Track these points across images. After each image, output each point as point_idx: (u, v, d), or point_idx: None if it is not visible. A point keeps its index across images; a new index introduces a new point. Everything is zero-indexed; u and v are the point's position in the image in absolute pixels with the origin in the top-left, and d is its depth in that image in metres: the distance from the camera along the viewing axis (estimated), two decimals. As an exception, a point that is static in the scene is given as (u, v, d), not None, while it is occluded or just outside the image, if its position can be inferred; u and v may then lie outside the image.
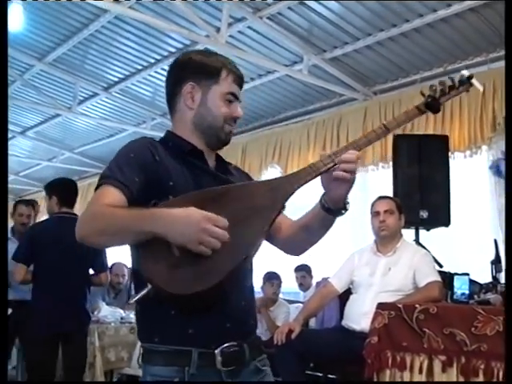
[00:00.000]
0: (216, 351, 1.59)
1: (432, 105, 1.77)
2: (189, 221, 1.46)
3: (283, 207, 1.70)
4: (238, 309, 1.66)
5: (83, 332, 4.32)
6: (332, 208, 1.67)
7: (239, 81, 1.80)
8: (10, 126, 9.87)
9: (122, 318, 5.18)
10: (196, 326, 1.59)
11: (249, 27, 5.81)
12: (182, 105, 1.77)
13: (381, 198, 4.18)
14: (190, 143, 1.76)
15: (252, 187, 1.75)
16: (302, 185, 1.65)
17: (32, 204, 5.55)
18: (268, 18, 5.60)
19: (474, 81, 1.79)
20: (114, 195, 1.57)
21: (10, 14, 5.55)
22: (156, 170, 1.65)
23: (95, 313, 5.41)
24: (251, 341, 1.70)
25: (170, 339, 1.60)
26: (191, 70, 1.77)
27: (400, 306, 3.17)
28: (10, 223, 5.21)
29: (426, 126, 5.90)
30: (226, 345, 1.60)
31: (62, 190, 4.44)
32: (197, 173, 1.73)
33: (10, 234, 4.92)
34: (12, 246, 4.27)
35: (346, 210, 1.69)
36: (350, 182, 1.63)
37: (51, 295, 4.10)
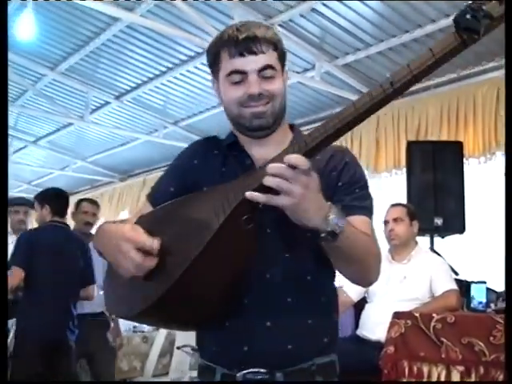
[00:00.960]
0: (238, 375, 1.43)
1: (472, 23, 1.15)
2: (112, 237, 1.35)
3: (238, 219, 1.32)
4: (259, 331, 1.42)
5: (72, 342, 4.21)
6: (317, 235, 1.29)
7: (242, 48, 1.43)
8: (23, 136, 9.95)
9: (134, 327, 5.15)
10: (218, 344, 1.48)
11: (260, 34, 5.78)
12: None
13: (391, 205, 4.15)
14: (234, 136, 1.59)
15: (213, 191, 1.43)
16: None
17: (97, 203, 5.09)
18: (280, 25, 5.57)
19: None
20: (143, 207, 1.59)
21: (22, 23, 5.58)
22: (192, 176, 1.56)
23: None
24: (292, 371, 1.42)
25: (203, 353, 1.55)
26: (207, 62, 1.60)
27: (417, 314, 3.12)
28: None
29: (440, 132, 5.86)
30: (250, 370, 1.41)
31: (55, 200, 4.45)
32: (233, 172, 1.51)
33: None
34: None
35: (329, 233, 1.26)
36: (282, 206, 1.23)
37: (42, 304, 4.05)
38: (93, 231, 4.43)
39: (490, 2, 1.14)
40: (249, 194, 1.24)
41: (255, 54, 1.44)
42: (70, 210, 4.68)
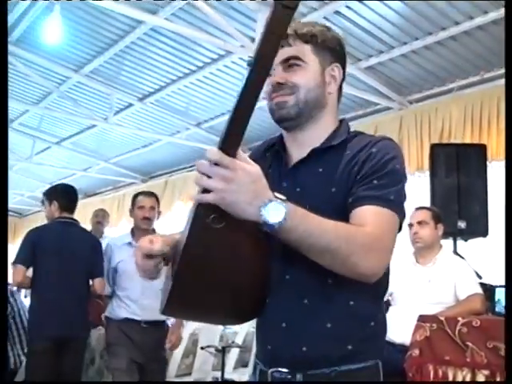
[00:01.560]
0: (268, 372, 1.48)
1: None
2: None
3: (205, 219, 1.30)
4: (277, 331, 1.45)
5: (81, 340, 4.26)
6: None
7: None
8: (46, 137, 10.07)
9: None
10: (257, 341, 1.60)
11: (284, 37, 5.79)
12: None
13: (416, 208, 4.14)
14: (279, 137, 1.61)
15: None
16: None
17: (156, 196, 4.59)
18: (303, 28, 5.59)
19: None
20: None
21: (48, 26, 5.66)
22: None
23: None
24: (312, 375, 1.42)
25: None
26: None
27: (442, 318, 3.12)
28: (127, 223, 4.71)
29: (464, 134, 5.84)
30: (276, 369, 1.46)
31: (64, 195, 4.47)
32: (274, 170, 1.55)
33: (130, 238, 4.25)
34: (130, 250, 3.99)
35: (266, 225, 1.24)
36: (213, 202, 1.23)
37: (50, 301, 4.08)
38: (155, 226, 4.30)
39: None
40: (192, 196, 1.30)
41: (281, 47, 1.41)
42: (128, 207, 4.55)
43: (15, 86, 8.10)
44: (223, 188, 1.20)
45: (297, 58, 1.49)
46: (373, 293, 1.49)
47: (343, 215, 1.39)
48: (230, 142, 1.24)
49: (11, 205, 15.14)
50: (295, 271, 1.43)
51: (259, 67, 1.21)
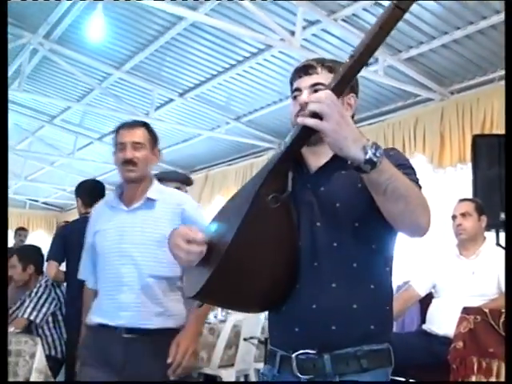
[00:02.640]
0: (292, 356, 1.58)
1: None
2: (172, 239, 1.62)
3: (264, 199, 1.49)
4: (306, 312, 1.57)
5: None
6: (351, 163, 1.41)
7: (300, 71, 1.75)
8: (88, 133, 10.26)
9: (201, 320, 5.26)
10: (278, 328, 1.68)
11: (323, 30, 5.80)
12: None
13: (460, 200, 4.12)
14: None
15: (245, 185, 1.71)
16: (273, 169, 1.53)
17: (145, 126, 4.40)
18: (343, 19, 5.58)
19: None
20: None
21: (91, 24, 5.78)
22: None
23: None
24: (339, 354, 1.55)
25: (270, 339, 1.74)
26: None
27: (486, 310, 3.10)
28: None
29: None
30: (302, 351, 1.56)
31: (86, 192, 4.56)
32: (294, 180, 1.66)
33: (114, 200, 4.36)
34: None
35: (367, 163, 1.36)
36: (324, 129, 1.36)
37: (79, 296, 4.13)
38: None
39: None
40: (300, 120, 1.41)
41: (309, 74, 1.72)
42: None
43: (58, 83, 8.28)
44: (340, 121, 1.34)
45: (323, 84, 1.65)
46: (387, 277, 1.67)
47: (370, 208, 1.53)
48: (340, 87, 1.41)
49: (53, 200, 15.47)
50: (323, 258, 1.58)
51: (363, 54, 1.40)
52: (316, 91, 1.63)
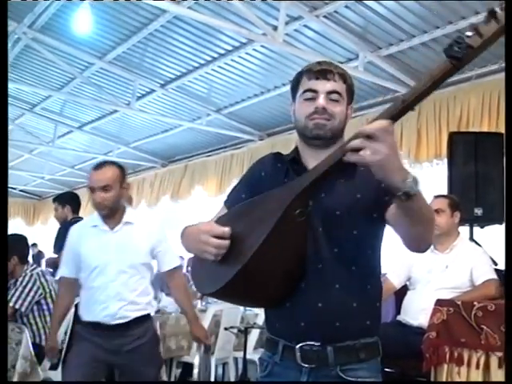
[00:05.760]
0: (296, 347, 1.72)
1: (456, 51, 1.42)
2: (193, 234, 1.70)
3: (292, 212, 1.62)
4: (313, 311, 1.70)
5: None
6: (391, 191, 1.48)
7: (318, 74, 1.78)
8: (69, 122, 10.24)
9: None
10: (281, 321, 1.79)
11: (305, 26, 5.90)
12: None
13: (434, 197, 4.22)
14: (297, 152, 1.87)
15: (271, 195, 1.73)
16: (308, 187, 1.63)
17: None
18: (324, 16, 5.68)
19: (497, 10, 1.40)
20: (221, 210, 1.92)
21: (75, 14, 5.80)
22: (259, 185, 1.84)
23: (155, 303, 5.62)
24: (341, 346, 1.70)
25: (268, 328, 1.84)
26: (291, 90, 1.89)
27: (459, 302, 3.23)
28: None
29: (481, 123, 5.90)
30: (306, 343, 1.71)
31: (74, 200, 5.80)
32: (292, 181, 1.80)
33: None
34: None
35: (406, 192, 1.43)
36: (370, 163, 1.40)
37: None
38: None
39: (472, 36, 1.39)
40: (346, 159, 1.45)
41: (327, 79, 1.78)
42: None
43: (39, 71, 8.27)
44: (389, 153, 1.39)
45: (338, 93, 1.79)
46: (379, 277, 1.85)
47: (367, 217, 1.73)
48: (398, 115, 1.47)
49: (31, 188, 15.40)
50: (326, 261, 1.71)
51: (414, 101, 1.46)
52: (332, 100, 1.77)
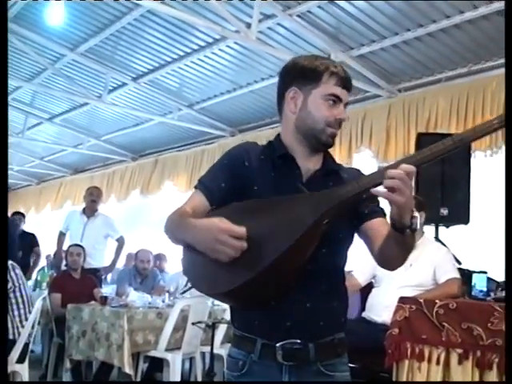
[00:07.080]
0: (277, 345, 1.72)
1: None
2: (207, 231, 1.59)
3: (322, 221, 1.65)
4: (301, 310, 1.72)
5: None
6: (396, 225, 1.58)
7: (344, 83, 1.78)
8: (39, 113, 10.13)
9: (149, 303, 5.35)
10: (260, 319, 1.75)
11: (278, 24, 5.93)
12: (286, 110, 1.84)
13: None
14: (285, 148, 1.83)
15: (296, 200, 1.70)
16: (344, 201, 1.64)
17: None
18: (298, 15, 5.72)
19: None
20: (197, 199, 1.81)
21: (47, 4, 5.75)
22: (243, 175, 1.79)
23: (123, 297, 5.63)
24: (321, 343, 1.74)
25: (242, 326, 1.80)
26: (294, 75, 1.82)
27: (421, 300, 3.31)
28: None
29: (449, 124, 6.00)
30: (288, 341, 1.71)
31: None
32: (283, 178, 1.79)
33: None
34: None
35: (410, 229, 1.58)
36: (395, 202, 1.51)
37: None
38: None
39: None
40: (375, 191, 1.57)
41: (348, 90, 1.82)
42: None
43: (10, 61, 8.15)
44: (410, 196, 1.51)
45: (346, 105, 1.83)
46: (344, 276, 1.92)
47: (350, 223, 1.82)
48: (420, 161, 1.57)
49: (-1, 178, 15.18)
50: (314, 263, 1.71)
51: (423, 163, 1.57)
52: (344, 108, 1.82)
